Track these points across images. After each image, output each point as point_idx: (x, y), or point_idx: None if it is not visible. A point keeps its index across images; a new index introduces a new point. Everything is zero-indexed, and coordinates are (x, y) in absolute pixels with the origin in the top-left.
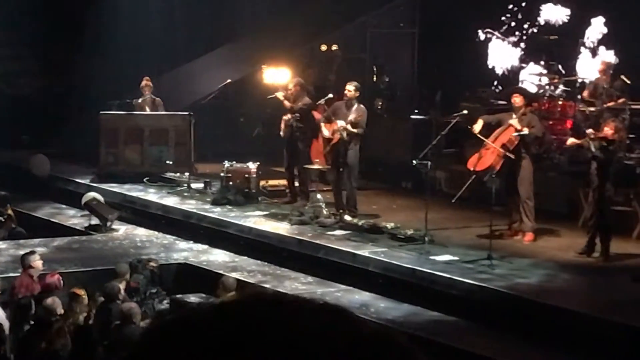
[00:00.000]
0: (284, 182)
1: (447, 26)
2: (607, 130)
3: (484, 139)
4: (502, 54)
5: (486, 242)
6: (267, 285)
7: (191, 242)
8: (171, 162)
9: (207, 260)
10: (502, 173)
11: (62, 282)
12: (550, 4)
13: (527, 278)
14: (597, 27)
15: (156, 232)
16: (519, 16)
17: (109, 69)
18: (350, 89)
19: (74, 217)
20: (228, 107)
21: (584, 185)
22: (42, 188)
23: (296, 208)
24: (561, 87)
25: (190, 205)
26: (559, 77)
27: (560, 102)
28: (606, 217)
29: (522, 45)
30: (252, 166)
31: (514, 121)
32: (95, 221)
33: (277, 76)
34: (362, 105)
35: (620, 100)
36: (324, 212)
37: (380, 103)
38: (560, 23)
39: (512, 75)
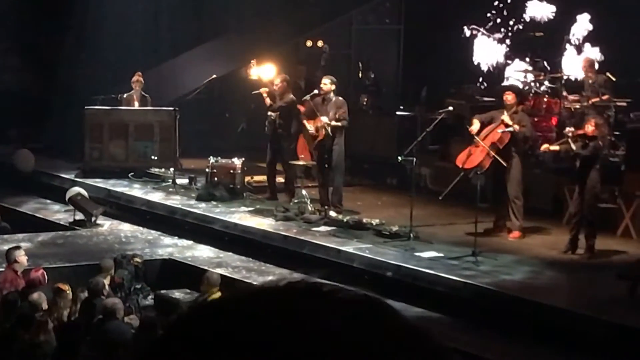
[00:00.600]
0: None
1: (433, 22)
2: (588, 127)
3: (476, 138)
4: (487, 51)
5: (471, 238)
6: (250, 281)
7: (176, 237)
8: (156, 158)
9: (191, 255)
10: (489, 171)
11: (46, 277)
12: (535, 1)
13: (511, 275)
14: (582, 24)
15: (141, 228)
16: (505, 13)
17: (94, 64)
18: (326, 82)
19: (58, 212)
20: (213, 103)
21: (569, 182)
22: (26, 183)
23: (281, 204)
24: (546, 83)
25: (175, 201)
26: (544, 73)
27: (545, 99)
28: (593, 214)
29: (508, 41)
30: (237, 162)
31: (505, 117)
32: (79, 216)
33: (264, 72)
34: (340, 98)
35: (605, 97)
36: (309, 208)
37: (365, 99)
38: (546, 20)
39: (497, 72)
